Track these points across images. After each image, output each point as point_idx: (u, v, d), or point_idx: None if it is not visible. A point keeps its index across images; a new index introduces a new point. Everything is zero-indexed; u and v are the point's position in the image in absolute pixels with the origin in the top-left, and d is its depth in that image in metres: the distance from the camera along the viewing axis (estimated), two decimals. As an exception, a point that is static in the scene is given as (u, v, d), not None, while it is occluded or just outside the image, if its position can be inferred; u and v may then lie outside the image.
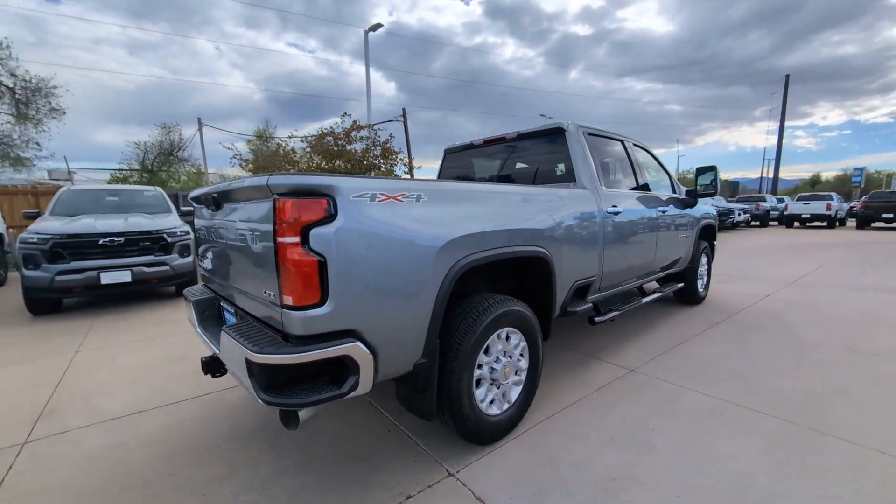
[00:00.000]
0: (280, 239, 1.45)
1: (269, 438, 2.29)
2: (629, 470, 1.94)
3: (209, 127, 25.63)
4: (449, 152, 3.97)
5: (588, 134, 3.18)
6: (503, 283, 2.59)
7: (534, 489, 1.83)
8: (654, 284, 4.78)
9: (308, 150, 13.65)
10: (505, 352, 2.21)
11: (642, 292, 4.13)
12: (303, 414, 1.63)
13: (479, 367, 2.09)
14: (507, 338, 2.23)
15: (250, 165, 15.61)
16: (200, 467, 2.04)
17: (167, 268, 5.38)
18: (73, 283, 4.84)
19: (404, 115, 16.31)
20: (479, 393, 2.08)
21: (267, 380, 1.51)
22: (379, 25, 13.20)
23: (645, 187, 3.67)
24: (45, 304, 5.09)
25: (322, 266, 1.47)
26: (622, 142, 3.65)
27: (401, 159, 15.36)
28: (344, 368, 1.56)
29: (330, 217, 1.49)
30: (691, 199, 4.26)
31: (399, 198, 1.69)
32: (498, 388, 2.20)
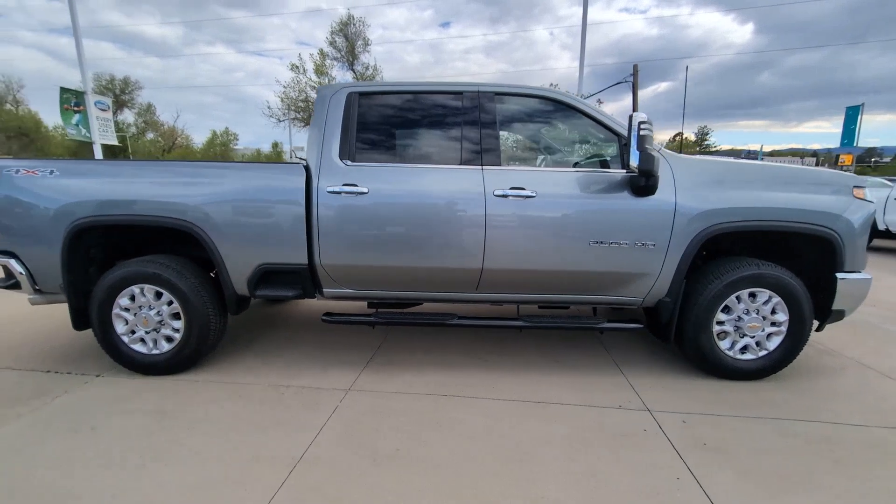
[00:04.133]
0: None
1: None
2: None
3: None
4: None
5: (363, 94, 2.58)
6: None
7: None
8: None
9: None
10: (150, 305, 2.59)
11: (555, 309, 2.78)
12: (33, 300, 2.81)
13: (127, 310, 2.61)
14: (159, 295, 2.58)
15: None
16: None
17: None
18: None
19: (635, 74, 13.46)
20: (119, 328, 2.61)
21: None
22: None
23: (491, 158, 2.46)
24: None
25: (-11, 211, 2.56)
26: (461, 93, 2.56)
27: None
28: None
29: (-7, 183, 2.54)
30: (641, 180, 2.31)
31: (35, 172, 2.51)
32: (147, 333, 2.63)
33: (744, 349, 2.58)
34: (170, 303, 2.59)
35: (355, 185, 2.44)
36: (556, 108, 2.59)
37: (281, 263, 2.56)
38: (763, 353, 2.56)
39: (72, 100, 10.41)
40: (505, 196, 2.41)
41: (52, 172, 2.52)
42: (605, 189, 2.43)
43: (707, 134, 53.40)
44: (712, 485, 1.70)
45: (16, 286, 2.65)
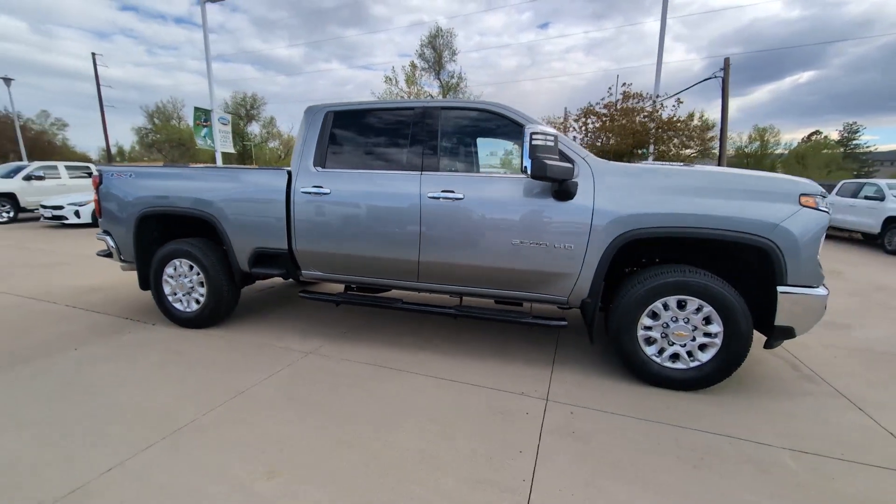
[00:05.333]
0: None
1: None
2: None
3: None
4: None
5: (337, 112, 3.13)
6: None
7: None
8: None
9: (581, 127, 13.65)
10: (185, 274, 3.47)
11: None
12: (122, 266, 3.93)
13: (171, 277, 3.54)
14: (191, 267, 3.46)
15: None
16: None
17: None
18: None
19: (725, 69, 11.90)
20: (166, 290, 3.54)
21: (107, 245, 3.93)
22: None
23: (430, 164, 2.83)
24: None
25: (99, 202, 3.68)
26: (410, 109, 2.95)
27: (701, 130, 11.96)
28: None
29: (101, 183, 3.65)
30: (556, 185, 2.45)
31: (121, 175, 3.55)
32: (183, 296, 3.52)
33: (675, 358, 2.54)
34: (198, 273, 3.43)
35: (321, 187, 3.00)
36: (495, 118, 2.83)
37: (270, 248, 3.23)
38: (695, 363, 2.50)
39: (202, 116, 13.03)
40: (437, 198, 2.75)
41: (130, 175, 3.55)
42: (530, 193, 2.63)
43: (856, 132, 44.24)
44: (546, 461, 1.87)
45: (109, 255, 3.75)
